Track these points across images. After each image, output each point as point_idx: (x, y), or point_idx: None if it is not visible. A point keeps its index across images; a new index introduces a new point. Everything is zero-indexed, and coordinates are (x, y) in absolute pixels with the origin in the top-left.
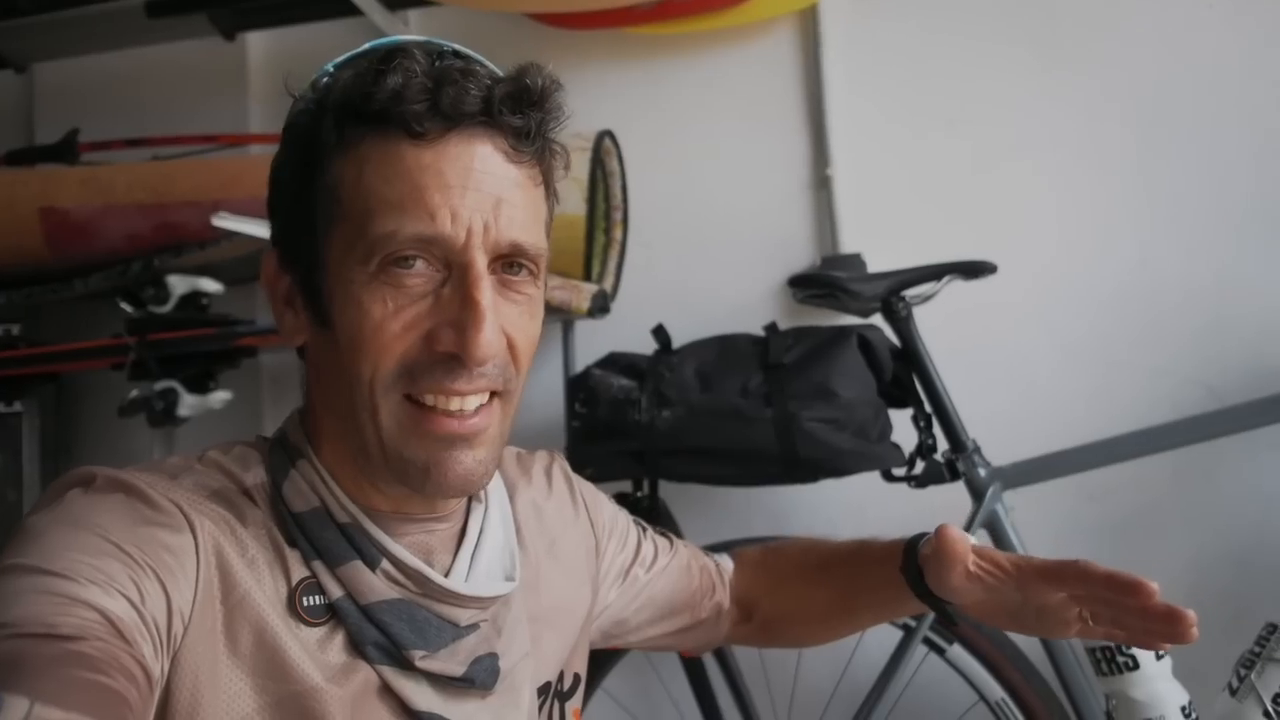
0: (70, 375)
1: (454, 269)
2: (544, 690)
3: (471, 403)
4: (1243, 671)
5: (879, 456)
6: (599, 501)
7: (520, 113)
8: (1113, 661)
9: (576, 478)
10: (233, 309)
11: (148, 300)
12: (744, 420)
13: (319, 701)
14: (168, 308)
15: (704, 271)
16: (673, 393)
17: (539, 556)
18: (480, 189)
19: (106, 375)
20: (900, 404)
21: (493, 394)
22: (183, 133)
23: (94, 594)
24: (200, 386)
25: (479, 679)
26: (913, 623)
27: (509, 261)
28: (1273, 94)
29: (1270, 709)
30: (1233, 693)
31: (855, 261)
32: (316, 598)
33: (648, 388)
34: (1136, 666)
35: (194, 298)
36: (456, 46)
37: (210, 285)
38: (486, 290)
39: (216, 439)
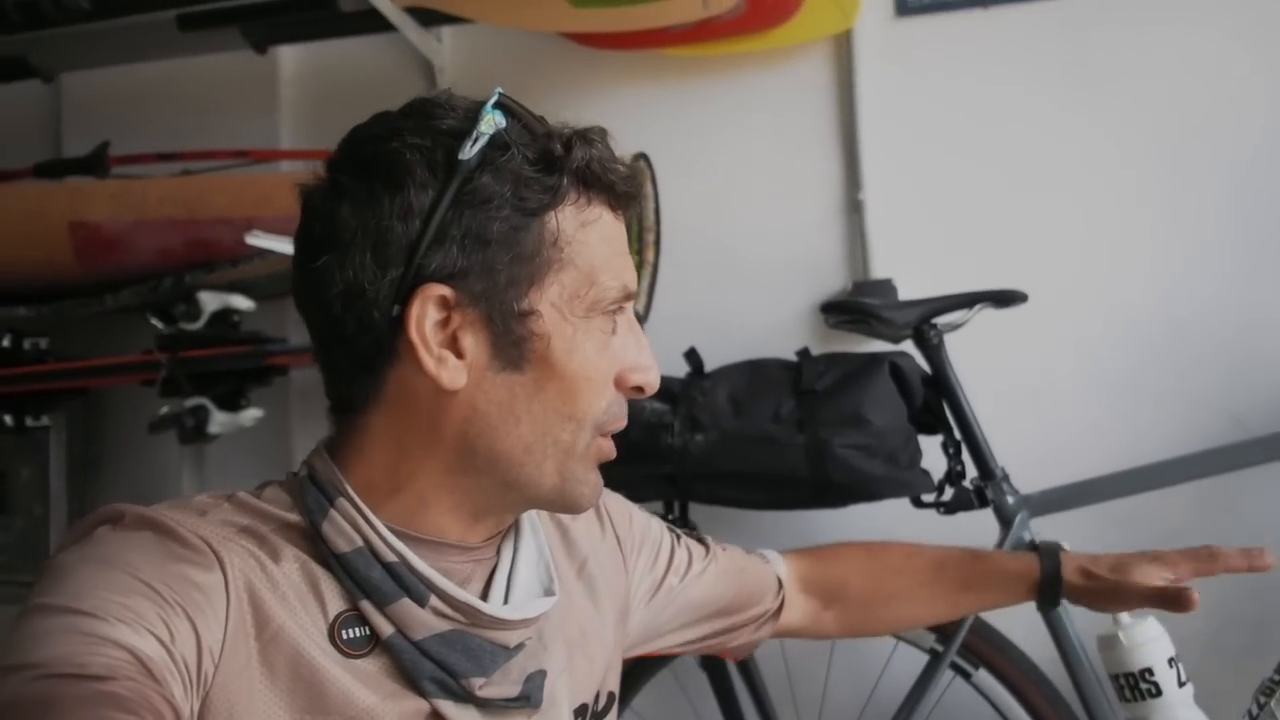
0: (98, 390)
1: (623, 316)
2: (581, 712)
3: None
4: (1262, 699)
5: (909, 483)
6: (626, 515)
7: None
8: (1136, 689)
9: (604, 492)
10: (264, 326)
11: (179, 316)
12: (777, 446)
13: None
14: (199, 324)
15: (735, 294)
16: (706, 417)
17: (570, 579)
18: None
19: (134, 391)
20: (930, 430)
21: None
22: (212, 147)
23: (123, 633)
24: (231, 404)
25: (533, 696)
26: (940, 647)
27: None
28: None
29: None
30: (1253, 719)
31: (886, 287)
32: (356, 630)
33: (680, 411)
34: (1160, 694)
35: (225, 314)
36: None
37: (242, 302)
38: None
39: (245, 455)
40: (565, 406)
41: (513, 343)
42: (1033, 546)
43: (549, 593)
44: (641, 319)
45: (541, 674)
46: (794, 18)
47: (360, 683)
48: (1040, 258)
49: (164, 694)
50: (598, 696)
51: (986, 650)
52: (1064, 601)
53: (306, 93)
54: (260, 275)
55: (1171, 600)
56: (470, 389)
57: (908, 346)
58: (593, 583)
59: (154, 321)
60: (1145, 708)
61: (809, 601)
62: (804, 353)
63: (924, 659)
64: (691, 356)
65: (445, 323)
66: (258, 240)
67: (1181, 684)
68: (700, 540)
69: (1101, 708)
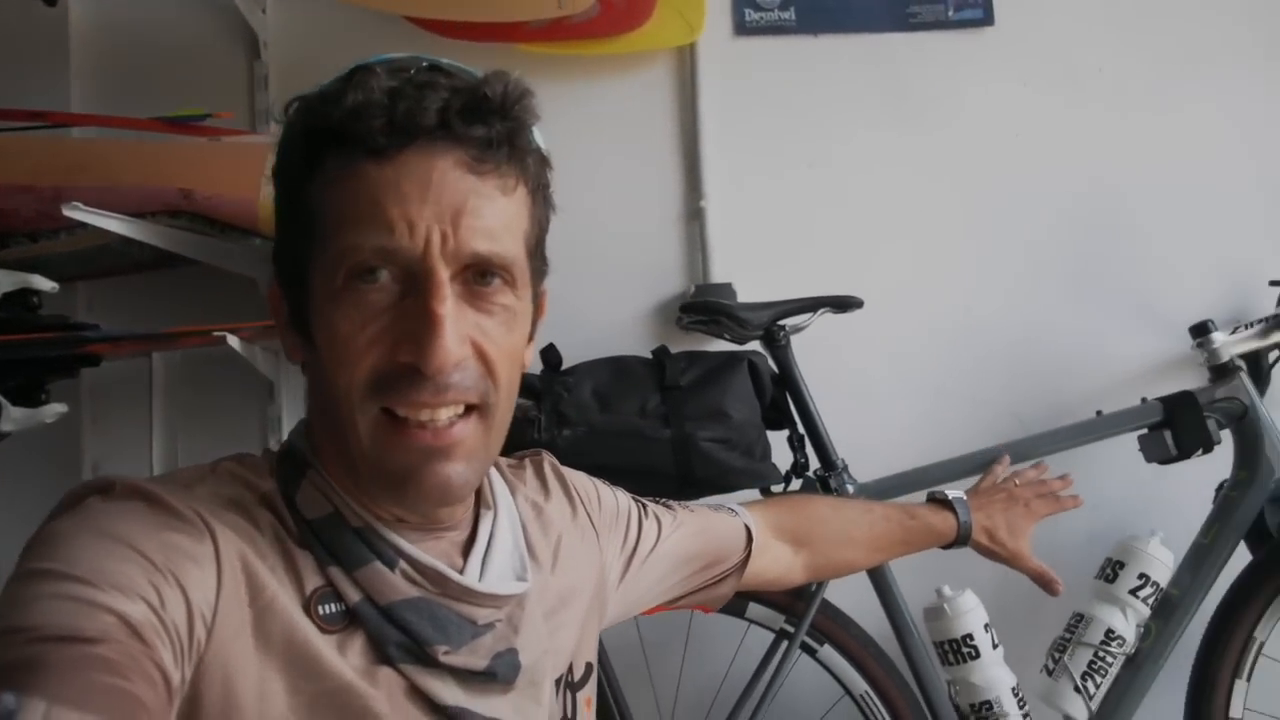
0: None
1: (414, 280)
2: (556, 683)
3: (443, 415)
4: (1056, 655)
5: (763, 474)
6: (594, 493)
7: (481, 122)
8: (958, 652)
9: (569, 472)
10: (62, 310)
11: None
12: (644, 440)
13: (356, 696)
14: None
15: (581, 294)
16: (572, 412)
17: (545, 557)
18: (439, 201)
19: None
20: (776, 426)
21: (469, 407)
22: None
23: (114, 598)
24: (29, 398)
25: (501, 673)
26: (790, 627)
27: (479, 271)
28: (1073, 169)
29: (1079, 684)
30: (1049, 673)
31: (727, 290)
32: (331, 606)
33: (545, 407)
34: (979, 656)
35: (22, 296)
36: (440, 61)
37: (43, 283)
38: (446, 300)
39: (33, 456)
40: (330, 378)
41: (303, 319)
42: (945, 502)
43: (520, 579)
44: None
45: (512, 652)
46: (643, 26)
47: (341, 657)
48: (861, 268)
49: (153, 658)
50: (572, 668)
51: (831, 627)
52: (894, 579)
53: (102, 52)
54: (62, 253)
55: (1045, 584)
56: (309, 366)
57: (755, 347)
58: (567, 560)
59: None
60: (966, 669)
61: (781, 547)
62: (663, 350)
63: (770, 637)
64: (550, 352)
65: (284, 305)
66: (76, 213)
67: (995, 646)
68: (666, 505)
69: (929, 672)
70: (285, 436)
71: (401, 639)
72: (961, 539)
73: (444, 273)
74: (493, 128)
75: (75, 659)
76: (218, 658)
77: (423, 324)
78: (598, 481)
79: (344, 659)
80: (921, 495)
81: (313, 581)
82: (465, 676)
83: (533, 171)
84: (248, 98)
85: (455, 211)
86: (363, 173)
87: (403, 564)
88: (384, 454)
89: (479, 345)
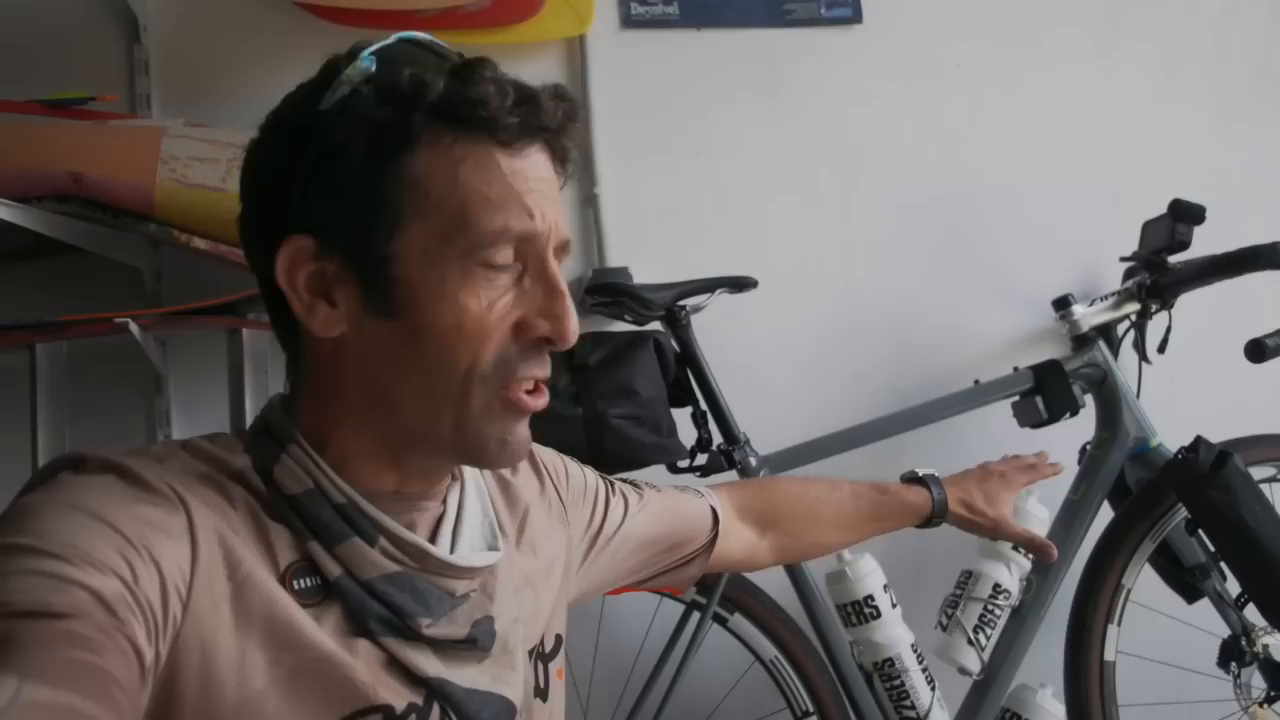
0: None
1: (533, 262)
2: (529, 654)
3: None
4: (950, 611)
5: (671, 450)
6: (561, 469)
7: (569, 134)
8: (860, 613)
9: (537, 447)
10: None
11: None
12: (557, 420)
13: (337, 666)
14: None
15: None
16: None
17: (511, 530)
18: (548, 194)
19: None
20: (680, 403)
21: None
22: None
23: (87, 574)
24: None
25: (481, 639)
26: (702, 599)
27: (556, 255)
28: (938, 157)
29: (971, 636)
30: (943, 629)
31: (624, 274)
32: (307, 580)
33: None
34: (879, 615)
35: None
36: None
37: None
38: (562, 280)
39: None
40: (445, 355)
41: (380, 290)
42: (918, 479)
43: (492, 549)
44: None
45: (489, 620)
46: (534, 17)
47: (319, 628)
48: (748, 251)
49: (126, 632)
50: (543, 639)
51: (740, 597)
52: None
53: None
54: None
55: (1038, 550)
56: (353, 337)
57: (655, 327)
58: (534, 533)
59: None
60: (868, 629)
61: (747, 530)
62: None
63: (680, 609)
64: None
65: (319, 273)
66: None
67: (894, 606)
68: (634, 485)
69: (833, 633)
70: (173, 431)
71: (383, 613)
72: (938, 513)
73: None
74: (572, 138)
75: (46, 635)
76: (194, 632)
77: (556, 302)
78: (566, 458)
79: (322, 630)
80: (819, 466)
81: (287, 556)
82: (444, 647)
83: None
84: (128, 82)
85: (556, 206)
86: (496, 160)
87: (383, 540)
88: (491, 424)
89: None
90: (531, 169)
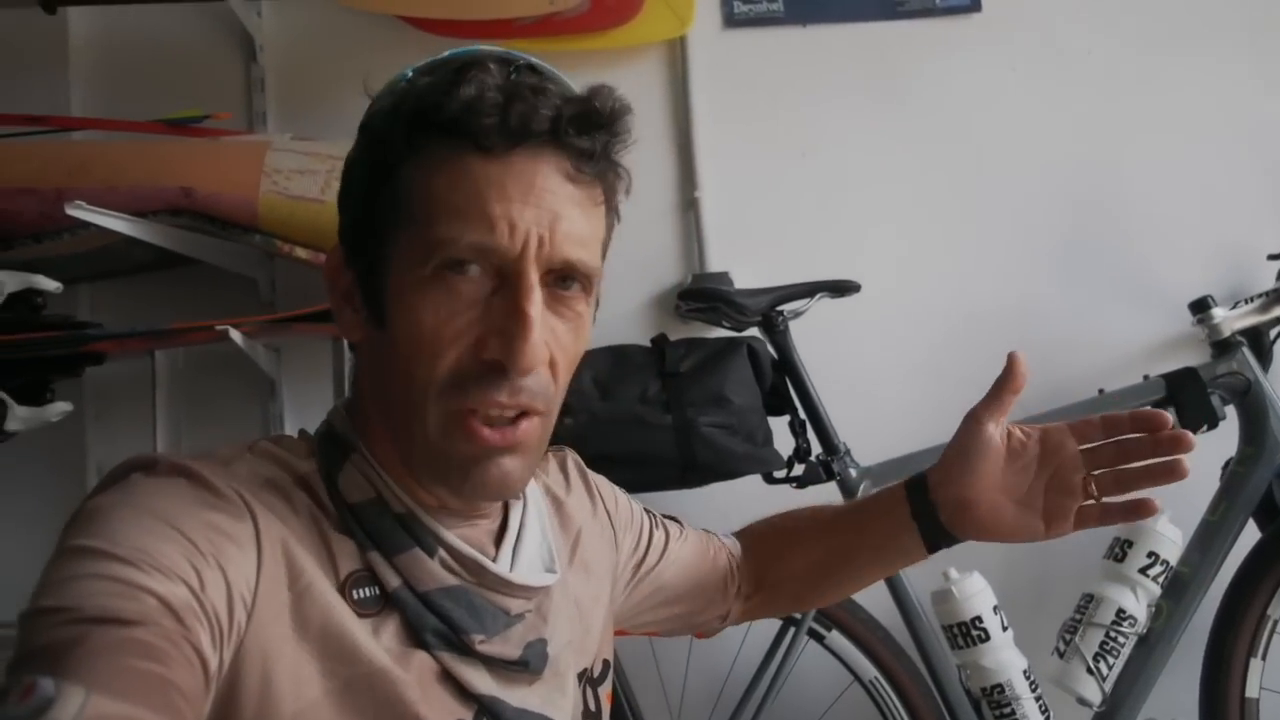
0: None
1: (506, 279)
2: (579, 677)
3: (510, 412)
4: (1068, 636)
5: (766, 460)
6: (613, 494)
7: (586, 134)
8: (967, 636)
9: (590, 472)
10: (66, 311)
11: None
12: (645, 427)
13: (389, 682)
14: None
15: None
16: (574, 400)
17: (564, 552)
18: (540, 205)
19: None
20: (777, 412)
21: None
22: None
23: (155, 580)
24: (34, 397)
25: (533, 662)
26: (797, 614)
27: (561, 276)
28: (1065, 151)
29: (1091, 666)
30: (1060, 656)
31: (724, 279)
32: (366, 590)
33: None
34: (988, 639)
35: (27, 296)
36: (533, 60)
37: (47, 283)
38: (536, 302)
39: (35, 453)
40: (407, 366)
41: (372, 298)
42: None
43: (549, 570)
44: None
45: (542, 642)
46: (633, 20)
47: (375, 641)
48: (856, 253)
49: (192, 641)
50: (593, 664)
51: (838, 613)
52: None
53: (102, 59)
54: (65, 254)
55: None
56: (368, 345)
57: (753, 333)
58: (586, 555)
59: None
60: (975, 653)
61: (745, 587)
62: (662, 338)
63: (777, 624)
64: None
65: (346, 281)
66: (79, 212)
67: (1005, 629)
68: (673, 519)
69: (938, 656)
70: (287, 433)
71: (439, 626)
72: (918, 493)
73: (535, 275)
74: (596, 140)
75: (114, 643)
76: (256, 641)
77: (513, 322)
78: (616, 487)
79: (378, 642)
80: None
81: (348, 565)
82: (497, 666)
83: (614, 185)
84: (245, 100)
85: (553, 216)
86: (468, 166)
87: (442, 552)
88: (451, 447)
89: (551, 350)
90: (514, 176)
